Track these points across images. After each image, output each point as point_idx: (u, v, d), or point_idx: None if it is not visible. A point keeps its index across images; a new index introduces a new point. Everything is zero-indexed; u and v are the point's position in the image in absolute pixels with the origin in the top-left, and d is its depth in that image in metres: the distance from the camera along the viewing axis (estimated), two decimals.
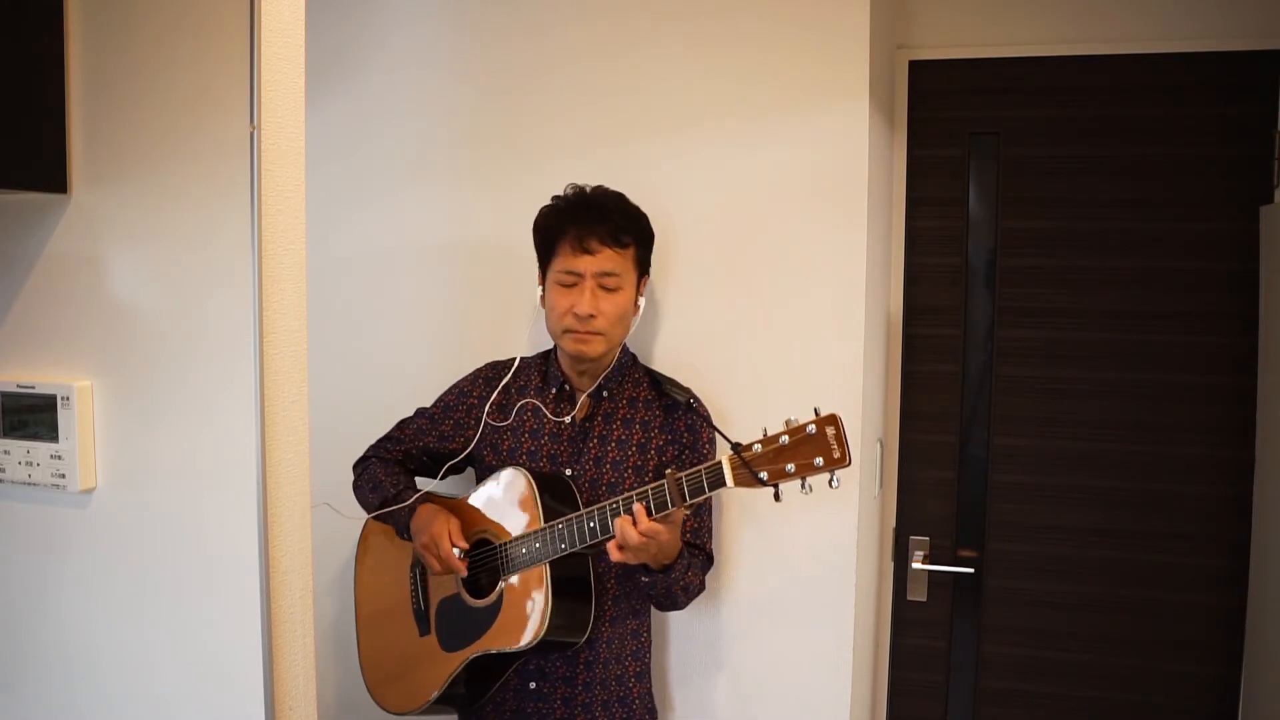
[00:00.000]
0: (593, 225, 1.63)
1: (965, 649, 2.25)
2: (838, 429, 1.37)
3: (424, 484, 1.80)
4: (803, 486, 1.39)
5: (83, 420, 1.23)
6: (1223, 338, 2.07)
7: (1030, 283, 2.17)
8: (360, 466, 1.80)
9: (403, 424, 1.82)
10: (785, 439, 1.38)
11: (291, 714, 1.20)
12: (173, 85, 1.17)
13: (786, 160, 1.84)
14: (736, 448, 1.40)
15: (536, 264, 1.74)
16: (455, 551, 1.61)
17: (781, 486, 1.39)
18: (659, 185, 1.90)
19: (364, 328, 2.12)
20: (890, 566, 2.27)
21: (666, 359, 1.89)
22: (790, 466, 1.37)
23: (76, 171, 1.23)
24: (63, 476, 1.24)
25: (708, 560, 1.72)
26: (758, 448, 1.39)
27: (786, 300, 1.86)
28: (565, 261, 1.64)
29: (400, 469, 1.78)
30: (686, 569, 1.61)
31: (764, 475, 1.39)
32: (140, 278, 1.22)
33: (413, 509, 1.69)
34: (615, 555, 1.48)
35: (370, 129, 2.09)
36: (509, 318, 1.99)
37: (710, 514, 1.74)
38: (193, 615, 1.21)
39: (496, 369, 1.79)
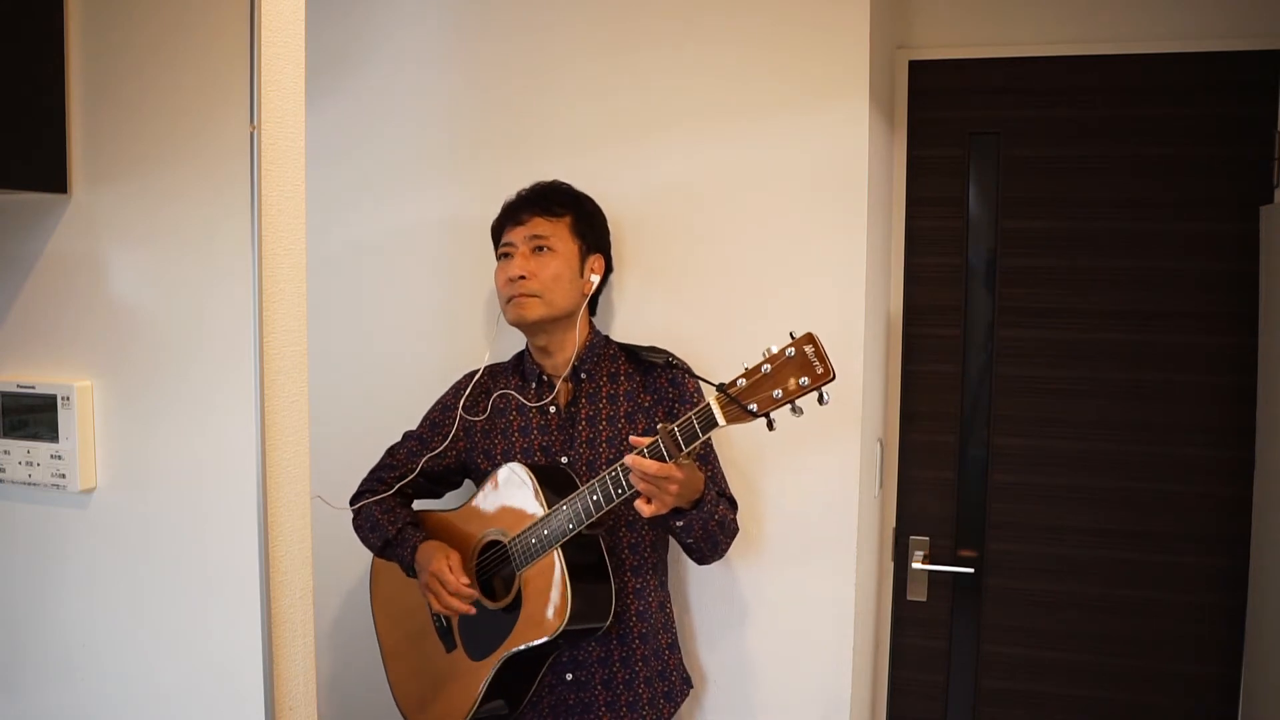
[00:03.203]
0: (525, 199, 1.76)
1: (965, 649, 2.25)
2: (816, 345, 1.36)
3: (423, 505, 1.80)
4: (793, 410, 1.38)
5: (83, 420, 1.23)
6: (1223, 338, 2.07)
7: (1030, 283, 2.17)
8: (356, 503, 1.79)
9: (392, 450, 1.81)
10: (767, 367, 1.38)
11: (291, 714, 1.20)
12: (173, 85, 1.17)
13: (786, 160, 1.84)
14: (721, 386, 1.41)
15: None
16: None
17: (773, 415, 1.38)
18: (658, 185, 1.90)
19: (364, 327, 2.12)
20: (890, 566, 2.27)
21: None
22: (777, 392, 1.37)
23: (76, 171, 1.23)
24: (63, 476, 1.24)
25: (731, 503, 1.71)
26: (742, 381, 1.39)
27: (786, 299, 1.86)
28: (505, 236, 1.75)
29: (398, 502, 1.77)
30: (716, 502, 1.60)
31: (753, 407, 1.38)
32: (140, 277, 1.22)
33: (415, 549, 1.69)
34: (646, 511, 1.47)
35: (370, 129, 2.09)
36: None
37: (717, 460, 1.74)
38: (193, 615, 1.21)
39: (473, 377, 1.80)
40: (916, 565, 2.24)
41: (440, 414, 1.79)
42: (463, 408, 1.74)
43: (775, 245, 1.86)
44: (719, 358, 1.89)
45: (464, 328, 2.04)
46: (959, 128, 2.18)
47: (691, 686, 1.80)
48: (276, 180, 1.15)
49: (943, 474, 2.24)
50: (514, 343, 1.84)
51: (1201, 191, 2.07)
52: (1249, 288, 2.04)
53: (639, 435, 1.64)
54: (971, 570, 2.22)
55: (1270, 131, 2.02)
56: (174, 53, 1.17)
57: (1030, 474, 2.19)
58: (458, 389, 1.81)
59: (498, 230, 1.79)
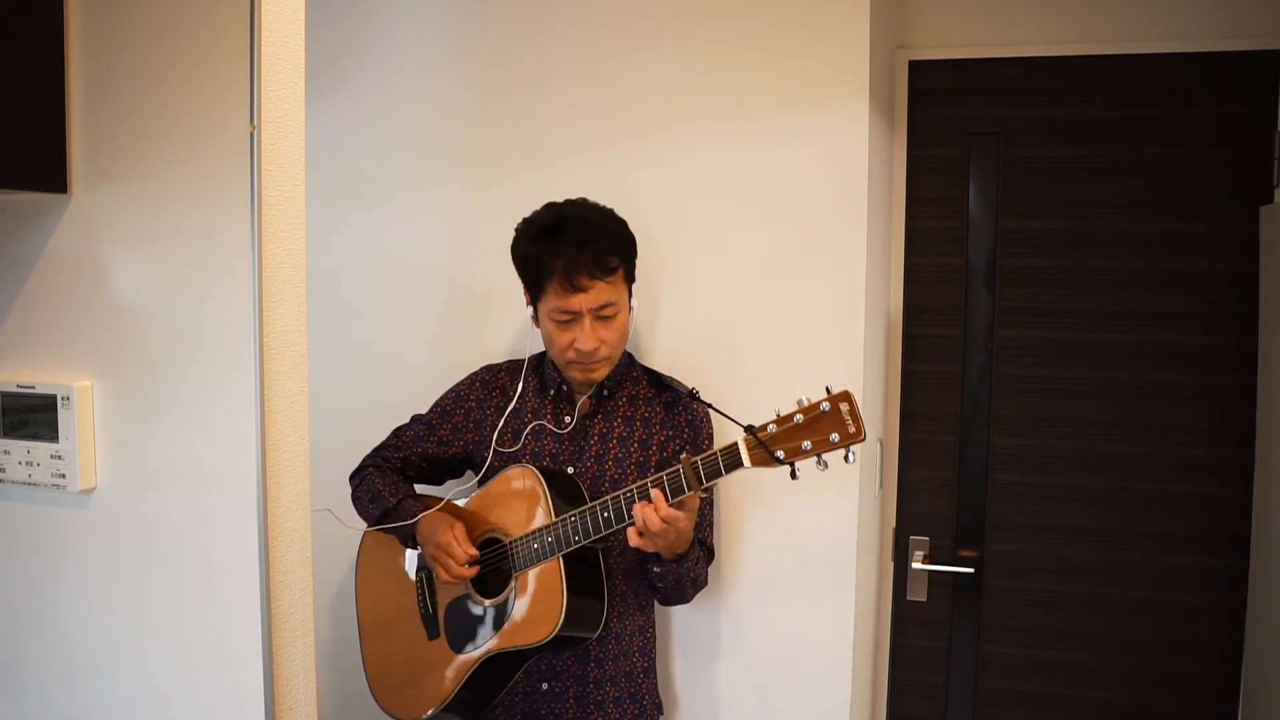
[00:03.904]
0: (577, 257, 1.56)
1: (965, 649, 2.25)
2: (851, 405, 1.38)
3: (423, 490, 1.80)
4: (818, 463, 1.39)
5: (83, 420, 1.23)
6: (1223, 338, 2.07)
7: (1030, 283, 2.17)
8: (357, 477, 1.78)
9: (399, 431, 1.81)
10: (799, 418, 1.39)
11: (291, 714, 1.20)
12: (173, 85, 1.17)
13: (787, 160, 1.84)
14: (751, 429, 1.41)
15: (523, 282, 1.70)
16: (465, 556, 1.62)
17: (798, 464, 1.40)
18: (659, 185, 1.90)
19: (364, 327, 2.12)
20: (890, 566, 2.27)
21: (667, 359, 1.89)
22: (806, 444, 1.38)
23: (76, 171, 1.23)
24: (63, 476, 1.24)
25: (709, 554, 1.73)
26: (772, 428, 1.40)
27: (786, 300, 1.86)
28: (558, 300, 1.58)
29: (399, 477, 1.77)
30: (697, 560, 1.62)
31: (780, 454, 1.39)
32: (140, 277, 1.22)
33: (418, 520, 1.69)
34: (635, 541, 1.48)
35: (370, 129, 2.09)
36: (509, 316, 1.99)
37: (712, 508, 1.75)
38: (193, 615, 1.21)
39: (492, 371, 1.79)
40: (916, 565, 2.24)
41: (453, 403, 1.78)
42: (495, 436, 1.70)
43: (775, 245, 1.86)
44: (717, 358, 1.89)
45: (464, 327, 2.04)
46: (959, 128, 2.18)
47: (662, 712, 1.81)
48: (276, 180, 1.15)
49: (943, 474, 2.24)
50: (511, 329, 1.84)
51: (1201, 191, 2.07)
52: (1249, 288, 2.04)
53: (647, 466, 1.67)
54: (971, 570, 2.22)
55: (1270, 131, 2.02)
56: (174, 53, 1.17)
57: (1030, 474, 2.19)
58: (473, 381, 1.79)
59: (537, 274, 1.61)
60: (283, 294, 1.16)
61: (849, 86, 1.80)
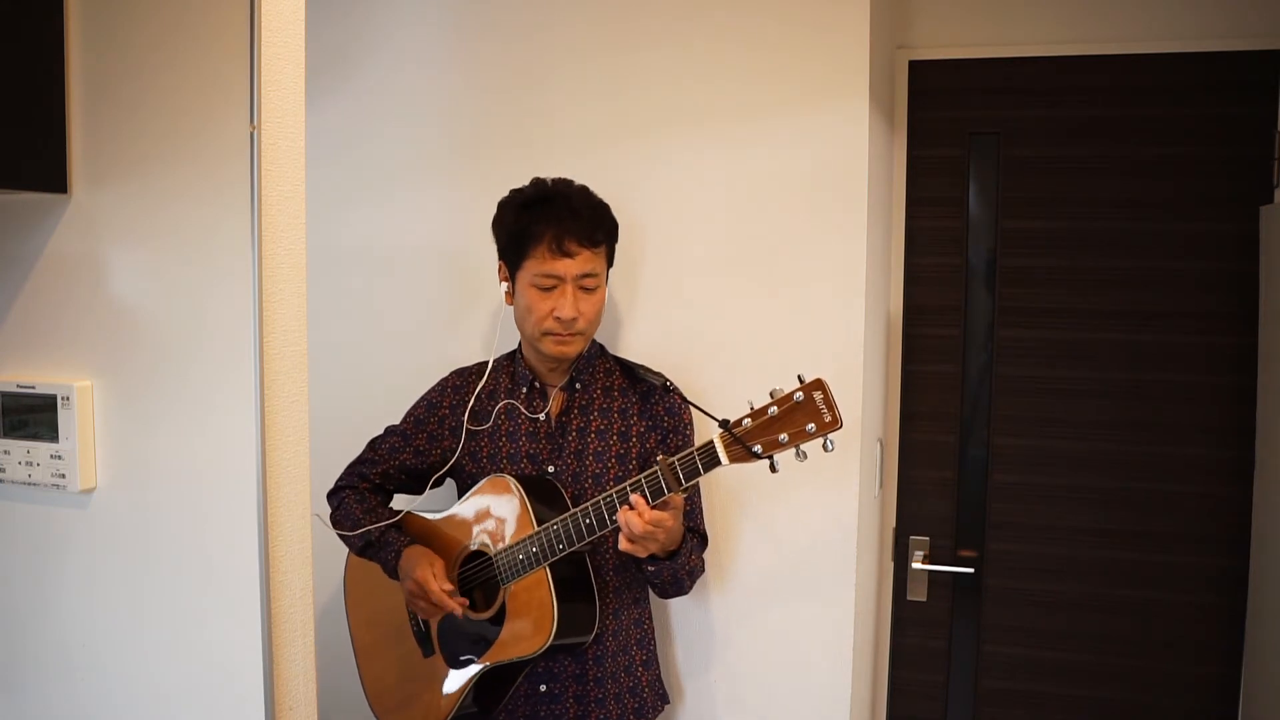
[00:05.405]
0: (567, 225, 1.60)
1: (965, 649, 2.25)
2: (825, 393, 1.36)
3: (404, 502, 1.79)
4: (797, 454, 1.38)
5: (83, 420, 1.23)
6: (1223, 338, 2.07)
7: (1030, 283, 2.17)
8: (335, 499, 1.77)
9: (374, 444, 1.80)
10: (774, 410, 1.38)
11: (291, 714, 1.20)
12: (173, 85, 1.17)
13: (787, 160, 1.84)
14: (726, 424, 1.40)
15: (499, 259, 1.72)
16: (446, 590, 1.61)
17: (777, 457, 1.39)
18: (658, 185, 1.90)
19: (364, 327, 2.12)
20: (890, 566, 2.27)
21: (665, 360, 1.89)
22: (783, 436, 1.37)
23: (76, 171, 1.23)
24: (63, 476, 1.24)
25: (703, 541, 1.72)
26: (748, 422, 1.39)
27: (786, 300, 1.86)
28: (543, 264, 1.61)
29: (379, 500, 1.76)
30: (690, 552, 1.61)
31: (757, 449, 1.38)
32: (140, 278, 1.22)
33: (399, 553, 1.68)
34: (625, 546, 1.47)
35: (370, 129, 2.09)
36: (509, 316, 1.99)
37: (699, 494, 1.74)
38: (193, 615, 1.21)
39: (463, 376, 1.78)
40: (916, 565, 2.24)
41: (426, 412, 1.77)
42: (468, 417, 1.72)
43: (775, 245, 1.86)
44: (718, 359, 1.89)
45: (464, 328, 2.04)
46: (959, 128, 2.18)
47: (667, 703, 1.80)
48: (276, 180, 1.15)
49: (943, 474, 2.24)
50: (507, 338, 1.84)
51: (1201, 191, 2.07)
52: (1249, 288, 2.04)
53: (628, 458, 1.65)
54: (971, 570, 2.22)
55: (1270, 131, 2.02)
56: (174, 53, 1.16)
57: (1030, 474, 2.19)
58: (444, 388, 1.78)
59: (523, 240, 1.63)
60: (283, 294, 1.16)
61: (849, 86, 1.80)
